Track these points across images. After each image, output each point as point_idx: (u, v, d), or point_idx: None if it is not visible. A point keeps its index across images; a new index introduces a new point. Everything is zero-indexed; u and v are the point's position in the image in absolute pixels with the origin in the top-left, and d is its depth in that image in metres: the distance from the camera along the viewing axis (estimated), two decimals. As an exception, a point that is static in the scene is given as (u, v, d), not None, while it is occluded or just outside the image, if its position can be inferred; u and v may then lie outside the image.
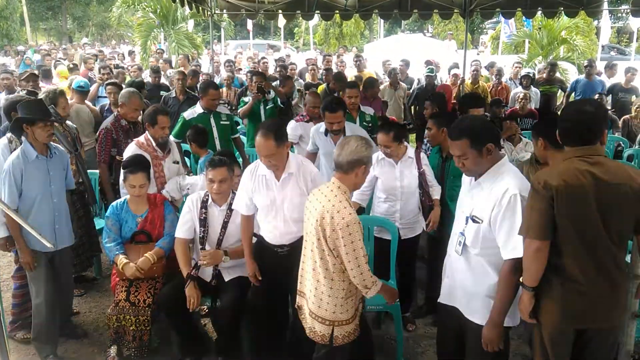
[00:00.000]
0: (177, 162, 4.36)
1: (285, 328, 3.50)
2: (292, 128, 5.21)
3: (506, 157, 2.58)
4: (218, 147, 5.02)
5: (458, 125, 2.55)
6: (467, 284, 2.58)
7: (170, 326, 3.56)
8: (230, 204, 3.50)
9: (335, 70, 9.46)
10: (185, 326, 3.52)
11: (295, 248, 3.11)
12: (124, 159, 3.96)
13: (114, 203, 3.78)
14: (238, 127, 6.06)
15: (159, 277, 3.60)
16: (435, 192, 3.84)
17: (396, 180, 3.80)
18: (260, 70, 9.02)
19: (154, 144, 4.14)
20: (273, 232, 3.26)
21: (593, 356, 2.41)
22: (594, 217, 2.21)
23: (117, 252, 3.55)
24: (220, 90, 8.02)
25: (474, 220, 2.49)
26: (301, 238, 2.91)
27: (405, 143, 3.89)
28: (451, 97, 8.13)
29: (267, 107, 6.19)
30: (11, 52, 15.00)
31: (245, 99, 6.40)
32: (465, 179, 2.70)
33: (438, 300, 2.81)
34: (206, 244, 3.53)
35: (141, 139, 4.18)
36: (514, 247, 2.35)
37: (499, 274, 2.43)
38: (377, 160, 3.82)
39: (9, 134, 3.79)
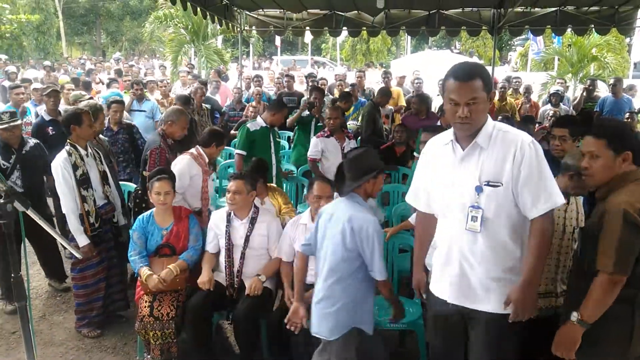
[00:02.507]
0: (213, 180, 4.56)
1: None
2: (314, 144, 5.40)
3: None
4: (274, 161, 5.18)
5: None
6: (488, 267, 2.31)
7: (191, 338, 3.56)
8: (253, 218, 3.65)
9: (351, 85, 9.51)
10: (206, 338, 3.53)
11: None
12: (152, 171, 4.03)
13: (140, 216, 3.84)
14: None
15: (181, 289, 3.63)
16: None
17: None
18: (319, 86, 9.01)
19: (206, 160, 4.29)
20: (309, 272, 3.43)
21: None
22: None
23: (142, 265, 3.61)
24: (250, 104, 8.20)
25: (491, 186, 2.24)
26: None
27: None
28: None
29: (318, 124, 6.40)
30: (42, 66, 15.45)
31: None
32: (438, 151, 2.45)
33: (434, 308, 2.53)
34: (233, 256, 3.62)
35: (194, 151, 4.27)
36: (548, 196, 2.20)
37: (533, 232, 2.24)
38: None
39: (67, 147, 3.91)
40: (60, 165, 3.81)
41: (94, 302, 4.02)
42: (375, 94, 9.66)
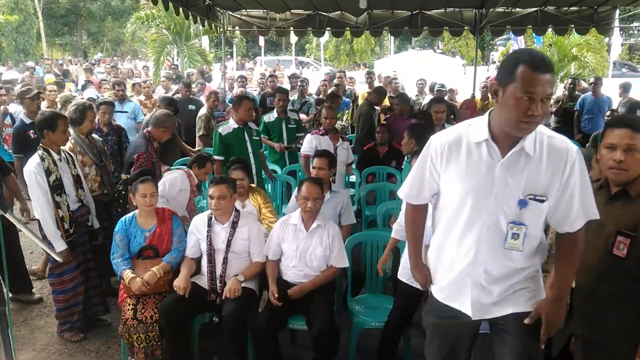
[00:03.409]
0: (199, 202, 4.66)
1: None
2: (308, 141, 5.46)
3: None
4: (252, 161, 5.12)
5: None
6: (514, 281, 2.13)
7: (166, 339, 3.50)
8: (234, 222, 3.62)
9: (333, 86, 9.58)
10: (182, 340, 3.47)
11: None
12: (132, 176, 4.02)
13: (122, 218, 3.80)
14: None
15: (165, 292, 3.59)
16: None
17: None
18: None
19: (195, 180, 4.45)
20: (296, 274, 3.58)
21: None
22: None
23: (124, 267, 3.57)
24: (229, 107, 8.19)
25: (537, 200, 2.01)
26: None
27: None
28: (475, 113, 8.14)
29: (290, 126, 6.41)
30: (20, 67, 15.25)
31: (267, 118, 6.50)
32: (465, 149, 2.09)
33: (441, 315, 2.29)
34: (215, 261, 3.59)
35: (188, 170, 4.45)
36: (590, 208, 2.04)
37: (570, 245, 2.11)
38: None
39: (40, 151, 3.80)
40: (33, 170, 3.69)
41: (73, 306, 3.96)
42: (358, 94, 9.74)
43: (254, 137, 5.28)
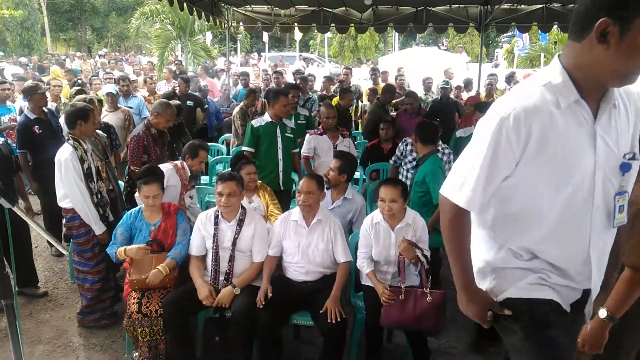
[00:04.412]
0: (191, 197, 4.52)
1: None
2: (307, 142, 5.42)
3: None
4: (280, 157, 5.02)
5: None
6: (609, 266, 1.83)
7: (170, 334, 3.51)
8: (240, 220, 3.59)
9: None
10: (185, 335, 3.48)
11: (316, 282, 3.54)
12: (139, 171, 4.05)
13: (129, 212, 3.82)
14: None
15: (170, 287, 3.60)
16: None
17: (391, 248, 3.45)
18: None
19: (187, 174, 4.36)
20: (298, 270, 3.58)
21: None
22: None
23: (117, 248, 3.58)
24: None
25: (634, 159, 1.67)
26: (323, 276, 3.52)
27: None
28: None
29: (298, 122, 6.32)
30: (17, 62, 15.25)
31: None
32: (549, 120, 1.56)
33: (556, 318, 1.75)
34: (220, 259, 3.57)
35: (178, 164, 4.38)
36: None
37: None
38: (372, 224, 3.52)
39: (71, 141, 3.92)
40: (69, 158, 3.80)
41: (106, 292, 4.07)
42: (363, 91, 9.74)
43: (286, 134, 5.11)
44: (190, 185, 4.46)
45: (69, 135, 3.99)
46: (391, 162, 5.21)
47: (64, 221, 4.05)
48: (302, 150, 5.54)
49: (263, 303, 3.34)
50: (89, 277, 3.98)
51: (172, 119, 4.94)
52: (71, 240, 4.01)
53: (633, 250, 2.07)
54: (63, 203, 3.91)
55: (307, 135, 5.59)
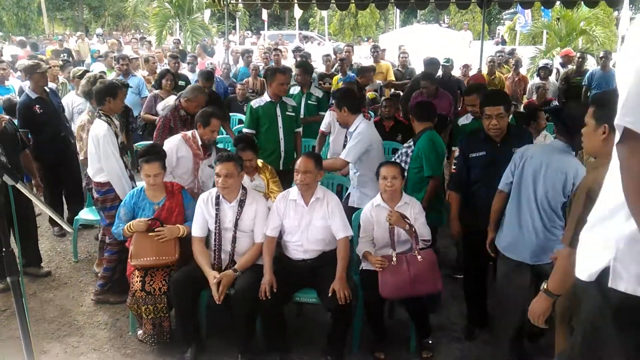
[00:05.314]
0: (212, 167, 4.29)
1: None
2: (326, 116, 5.52)
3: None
4: (282, 136, 4.95)
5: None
6: None
7: (175, 313, 3.57)
8: (241, 201, 3.58)
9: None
10: (191, 313, 3.50)
11: (315, 260, 3.55)
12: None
13: (131, 191, 3.82)
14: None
15: (173, 265, 3.61)
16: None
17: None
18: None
19: (199, 143, 4.21)
20: (297, 249, 3.59)
21: None
22: None
23: (122, 226, 3.62)
24: (246, 80, 8.13)
25: None
26: (322, 253, 3.53)
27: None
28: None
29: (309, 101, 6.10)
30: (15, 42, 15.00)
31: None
32: None
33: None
34: (223, 239, 3.58)
35: (188, 133, 4.26)
36: None
37: None
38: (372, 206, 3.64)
39: (103, 117, 4.04)
40: (107, 133, 3.95)
41: (122, 262, 4.08)
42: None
43: (287, 113, 5.01)
44: (207, 154, 4.28)
45: (100, 111, 4.10)
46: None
47: (95, 195, 4.14)
48: (322, 126, 5.51)
49: (268, 296, 3.29)
50: (115, 248, 4.07)
51: (203, 103, 4.90)
52: (103, 213, 4.14)
53: (567, 229, 2.15)
54: (98, 177, 4.04)
55: (329, 110, 5.53)
